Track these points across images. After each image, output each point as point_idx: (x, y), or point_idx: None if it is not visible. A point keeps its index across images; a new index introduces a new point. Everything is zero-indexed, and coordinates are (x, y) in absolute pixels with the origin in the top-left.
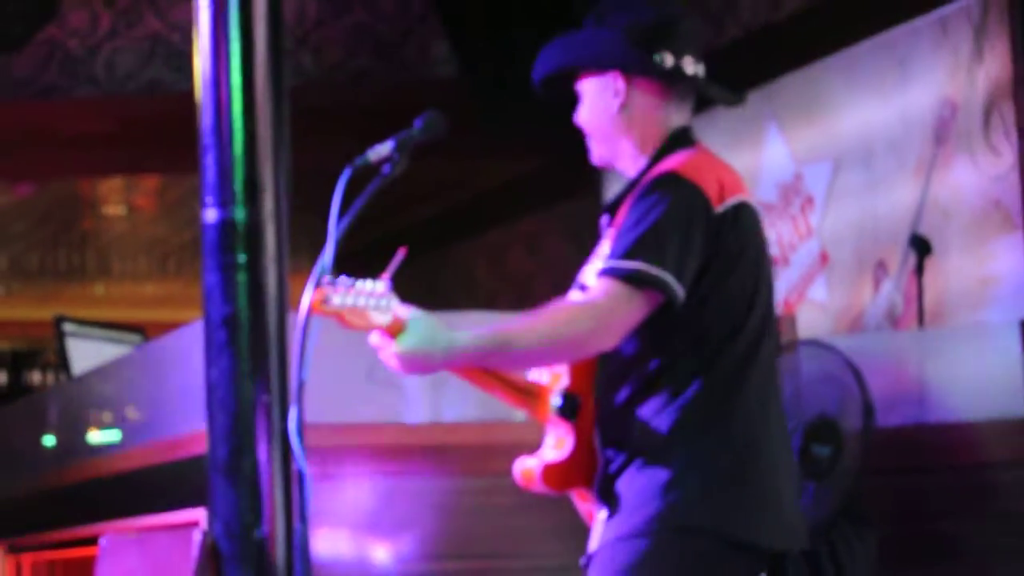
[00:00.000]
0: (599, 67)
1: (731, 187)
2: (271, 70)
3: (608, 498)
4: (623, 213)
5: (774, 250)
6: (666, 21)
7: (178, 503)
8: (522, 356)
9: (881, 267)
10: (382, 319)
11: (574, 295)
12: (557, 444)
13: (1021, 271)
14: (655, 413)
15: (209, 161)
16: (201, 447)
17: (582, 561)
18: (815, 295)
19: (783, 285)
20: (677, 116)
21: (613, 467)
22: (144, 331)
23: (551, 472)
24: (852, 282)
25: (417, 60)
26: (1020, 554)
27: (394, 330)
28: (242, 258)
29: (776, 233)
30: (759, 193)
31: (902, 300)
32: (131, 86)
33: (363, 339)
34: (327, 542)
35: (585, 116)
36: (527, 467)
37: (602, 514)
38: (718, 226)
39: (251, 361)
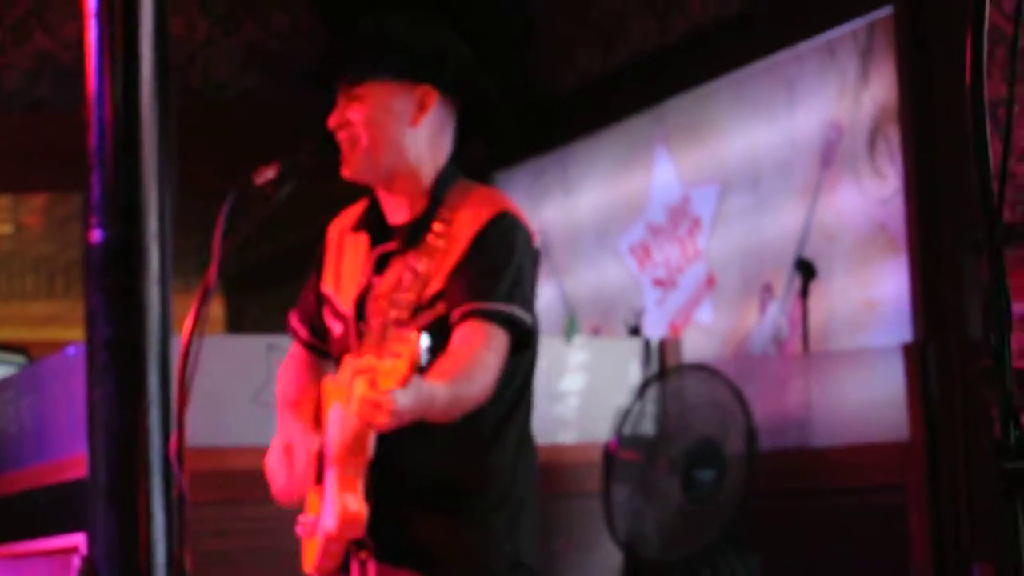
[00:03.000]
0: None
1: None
2: (157, 89)
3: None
4: (457, 248)
5: (662, 272)
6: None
7: (58, 528)
8: (462, 407)
9: (767, 290)
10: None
11: (468, 333)
12: (347, 488)
13: (905, 295)
14: (486, 455)
15: (94, 181)
16: (82, 471)
17: None
18: (701, 318)
19: (671, 308)
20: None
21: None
22: (28, 352)
23: (352, 522)
24: (738, 305)
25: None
26: (888, 560)
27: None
28: (125, 280)
29: (664, 255)
30: (649, 215)
31: (787, 323)
32: (18, 104)
33: (247, 361)
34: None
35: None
36: (306, 521)
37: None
38: (536, 263)
39: (133, 383)
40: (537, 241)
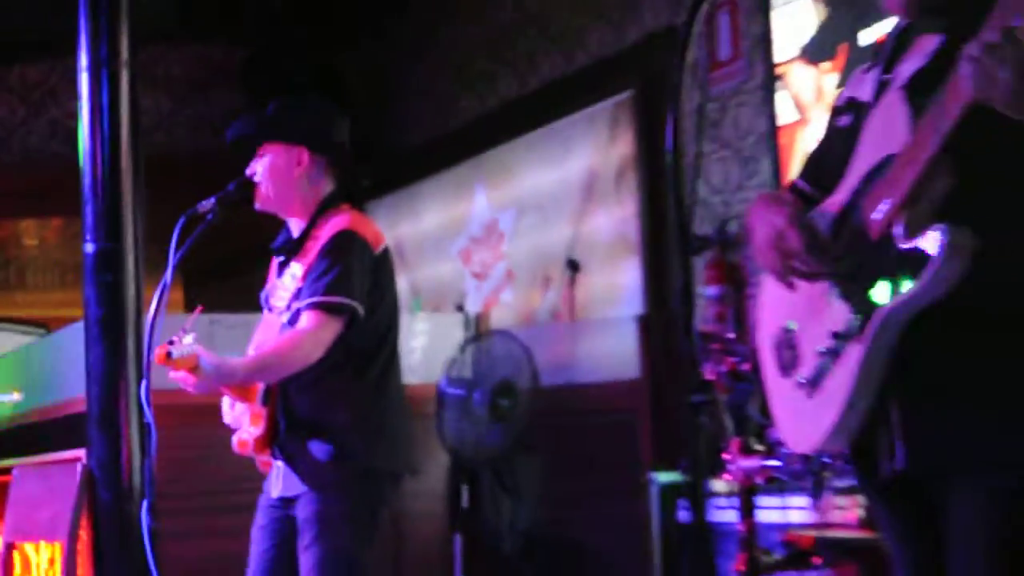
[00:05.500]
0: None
1: (379, 237)
2: (132, 146)
3: (288, 457)
4: (310, 258)
5: (478, 268)
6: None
7: (67, 445)
8: (275, 374)
9: (547, 280)
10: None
11: (303, 321)
12: (254, 422)
13: (638, 282)
14: (333, 396)
15: (88, 210)
16: (82, 407)
17: (277, 495)
18: (504, 299)
19: (483, 293)
20: (328, 184)
21: (296, 434)
22: (48, 326)
23: (258, 442)
24: (528, 290)
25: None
26: (626, 458)
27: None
28: (110, 277)
29: (480, 257)
30: (470, 230)
31: (560, 302)
32: (39, 156)
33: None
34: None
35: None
36: (242, 439)
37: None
38: (376, 264)
39: (116, 348)
40: (378, 250)
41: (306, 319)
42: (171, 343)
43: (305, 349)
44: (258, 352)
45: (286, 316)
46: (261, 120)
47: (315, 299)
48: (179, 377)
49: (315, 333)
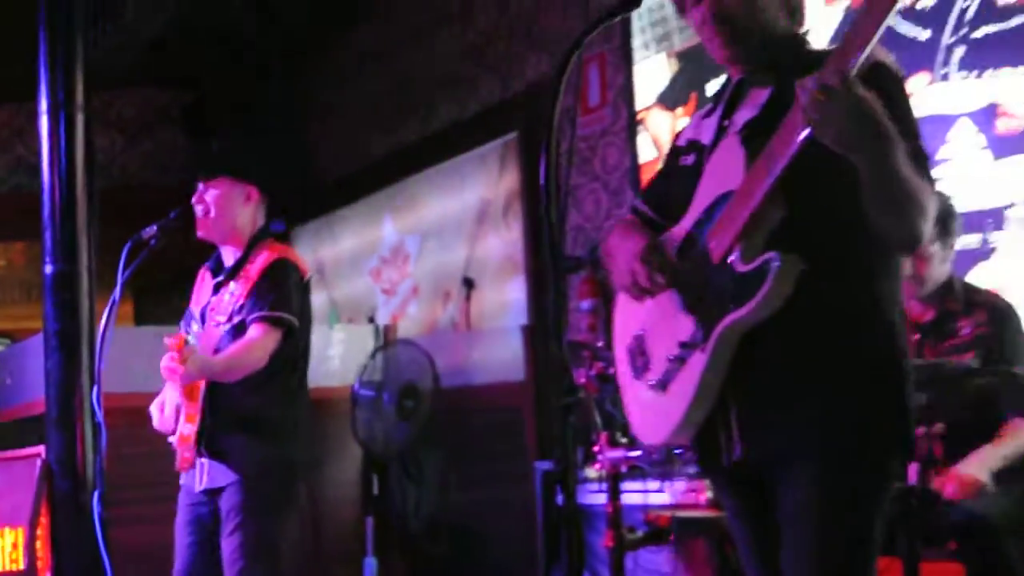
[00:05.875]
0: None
1: (305, 267)
2: (86, 180)
3: (218, 451)
4: (250, 280)
5: (388, 285)
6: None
7: (29, 443)
8: (237, 373)
9: (447, 295)
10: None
11: (252, 331)
12: (189, 420)
13: (523, 297)
14: (271, 397)
15: (47, 236)
16: (41, 409)
17: (201, 489)
18: (410, 311)
19: (391, 307)
20: (261, 218)
21: (232, 430)
22: (12, 336)
23: (190, 438)
24: (430, 304)
25: (178, 169)
26: (513, 449)
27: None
28: (67, 295)
29: (389, 275)
30: (380, 252)
31: (458, 314)
32: (5, 187)
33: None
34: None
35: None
36: (184, 435)
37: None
38: (304, 289)
39: (72, 357)
40: (308, 275)
41: (254, 329)
42: (187, 334)
43: (256, 354)
44: (224, 354)
45: (226, 327)
46: (220, 157)
47: (262, 313)
48: (170, 365)
49: (263, 341)
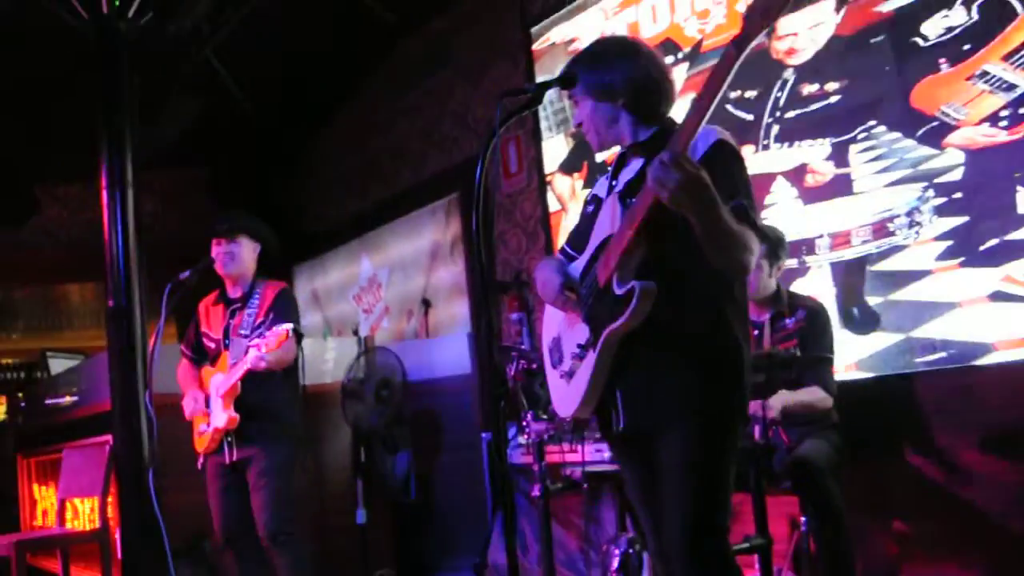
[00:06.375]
0: None
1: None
2: (136, 236)
3: (247, 436)
4: (264, 304)
5: (367, 306)
6: None
7: (99, 432)
8: (280, 365)
9: (410, 313)
10: None
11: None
12: (226, 408)
13: (467, 313)
14: (287, 390)
15: (109, 280)
16: (108, 407)
17: (230, 461)
18: (384, 325)
19: (370, 323)
20: (255, 265)
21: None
22: (86, 353)
23: (222, 429)
24: (398, 320)
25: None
26: (465, 426)
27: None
28: (125, 322)
29: (368, 299)
30: (359, 282)
31: (419, 327)
32: (79, 242)
33: (179, 357)
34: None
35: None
36: (218, 427)
37: (232, 439)
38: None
39: (130, 367)
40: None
41: (285, 335)
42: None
43: (291, 355)
44: (273, 355)
45: (249, 338)
46: (240, 221)
47: (289, 325)
48: (259, 353)
49: (291, 344)
